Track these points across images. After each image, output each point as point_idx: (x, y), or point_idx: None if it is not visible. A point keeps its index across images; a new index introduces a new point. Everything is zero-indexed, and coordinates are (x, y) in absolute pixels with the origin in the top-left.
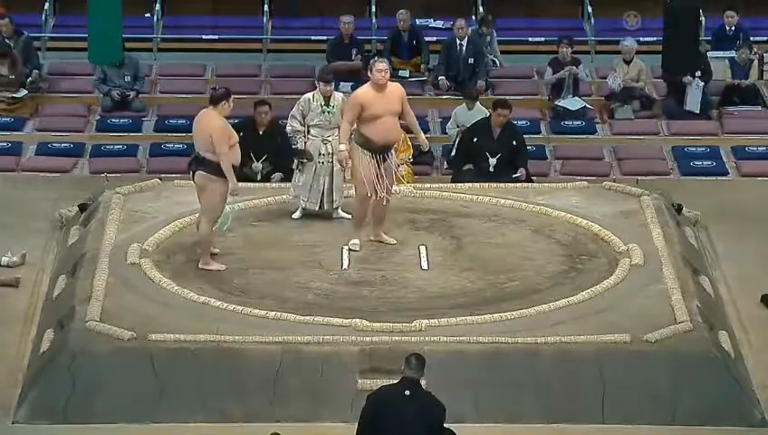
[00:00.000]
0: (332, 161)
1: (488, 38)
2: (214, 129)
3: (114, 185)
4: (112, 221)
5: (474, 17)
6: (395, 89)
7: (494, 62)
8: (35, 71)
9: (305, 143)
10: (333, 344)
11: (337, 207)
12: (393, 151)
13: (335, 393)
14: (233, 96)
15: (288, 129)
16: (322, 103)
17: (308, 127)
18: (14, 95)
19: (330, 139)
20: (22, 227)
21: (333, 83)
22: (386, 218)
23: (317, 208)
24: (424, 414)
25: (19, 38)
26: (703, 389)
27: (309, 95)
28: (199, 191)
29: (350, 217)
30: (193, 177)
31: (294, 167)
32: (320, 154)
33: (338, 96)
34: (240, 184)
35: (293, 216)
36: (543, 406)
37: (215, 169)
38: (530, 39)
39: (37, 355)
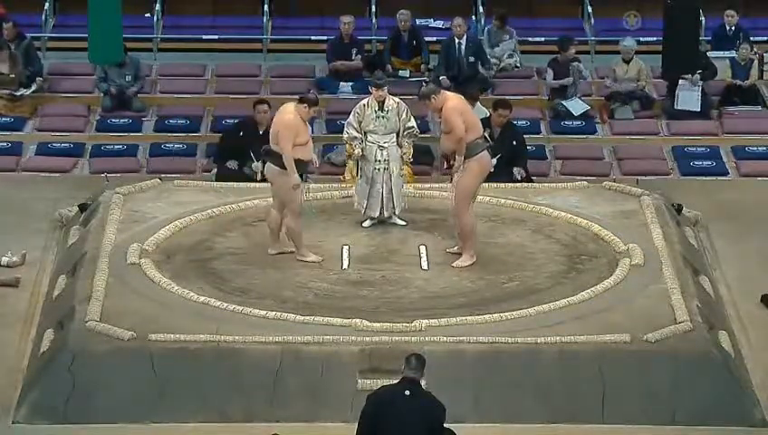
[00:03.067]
0: (389, 168)
1: (507, 36)
2: (283, 123)
3: (114, 185)
4: (112, 221)
5: (473, 17)
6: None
7: (515, 66)
8: (39, 78)
9: (362, 149)
10: (333, 344)
11: (391, 215)
12: (459, 168)
13: (335, 393)
14: (315, 108)
15: (345, 136)
16: (376, 109)
17: (365, 132)
18: (13, 93)
19: (386, 145)
20: (22, 227)
21: (386, 88)
22: (461, 234)
23: (376, 215)
24: (424, 414)
25: (21, 41)
26: (703, 389)
27: (363, 101)
28: (271, 184)
29: (404, 223)
30: (263, 168)
31: (356, 174)
32: (375, 160)
33: (392, 101)
34: (240, 184)
35: (364, 224)
36: (543, 406)
37: (279, 162)
38: (530, 39)
39: (37, 355)
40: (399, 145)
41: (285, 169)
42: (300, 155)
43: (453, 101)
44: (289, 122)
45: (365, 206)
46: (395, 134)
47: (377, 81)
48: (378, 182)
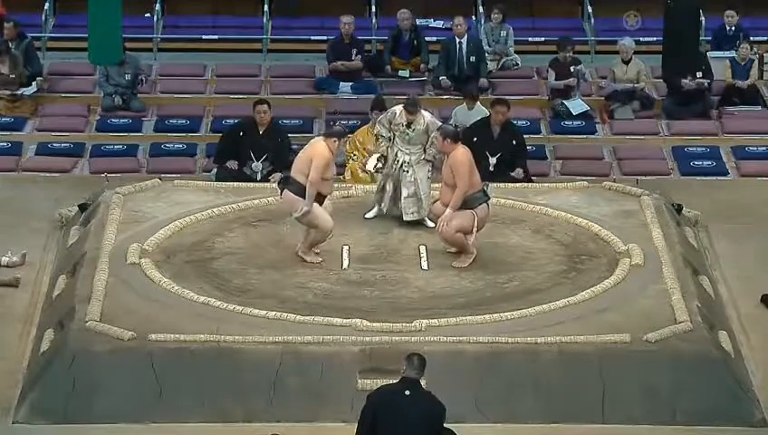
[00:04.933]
0: (408, 171)
1: (503, 33)
2: (318, 155)
3: (114, 185)
4: (112, 221)
5: (473, 17)
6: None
7: (516, 63)
8: (39, 78)
9: (387, 148)
10: (333, 344)
11: (423, 216)
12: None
13: (335, 393)
14: (346, 138)
15: (375, 130)
16: (404, 124)
17: (394, 133)
18: (14, 93)
19: (407, 151)
20: (22, 227)
21: (418, 113)
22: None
23: (384, 211)
24: (424, 414)
25: (22, 41)
26: (703, 389)
27: (398, 108)
28: (289, 210)
29: (433, 225)
30: (281, 195)
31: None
32: (395, 160)
33: (422, 119)
34: (240, 184)
35: (366, 216)
36: (543, 406)
37: (301, 191)
38: (530, 39)
39: (37, 355)
40: (424, 150)
41: (303, 196)
42: (322, 189)
43: (464, 151)
44: (324, 157)
45: (377, 200)
46: (421, 145)
47: (409, 107)
48: (389, 181)
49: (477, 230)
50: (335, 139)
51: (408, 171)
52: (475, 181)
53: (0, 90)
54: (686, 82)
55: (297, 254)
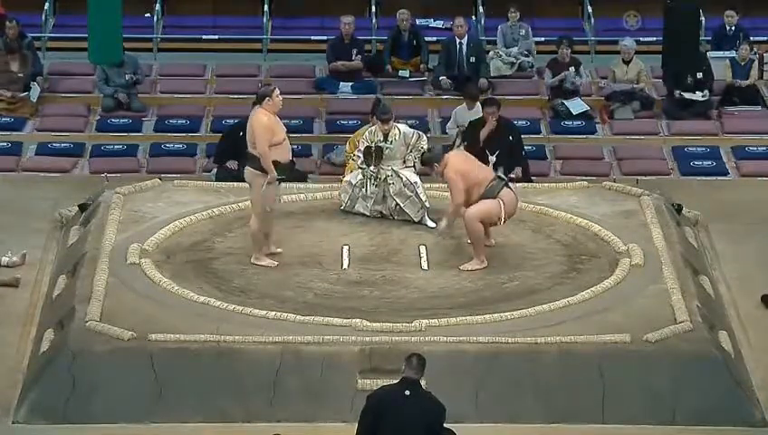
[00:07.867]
0: (392, 181)
1: (522, 31)
2: (255, 126)
3: (114, 185)
4: (112, 221)
5: (473, 17)
6: None
7: (532, 65)
8: (39, 77)
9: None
10: (333, 344)
11: (427, 208)
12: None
13: (335, 393)
14: (277, 90)
15: (357, 160)
16: (381, 139)
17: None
18: (15, 94)
19: (386, 166)
20: (22, 227)
21: (392, 121)
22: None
23: (368, 214)
24: (424, 414)
25: (23, 41)
26: (703, 389)
27: (372, 127)
28: (249, 187)
29: (433, 225)
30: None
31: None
32: (376, 177)
33: (396, 131)
34: (240, 184)
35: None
36: (543, 406)
37: (258, 165)
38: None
39: (37, 355)
40: (404, 160)
41: (263, 171)
42: (276, 156)
43: (449, 166)
44: (261, 125)
45: (347, 202)
46: (400, 158)
47: (382, 115)
48: (369, 198)
49: (507, 217)
50: (267, 99)
51: (392, 183)
52: (482, 178)
53: (7, 87)
54: (688, 84)
55: (251, 263)
